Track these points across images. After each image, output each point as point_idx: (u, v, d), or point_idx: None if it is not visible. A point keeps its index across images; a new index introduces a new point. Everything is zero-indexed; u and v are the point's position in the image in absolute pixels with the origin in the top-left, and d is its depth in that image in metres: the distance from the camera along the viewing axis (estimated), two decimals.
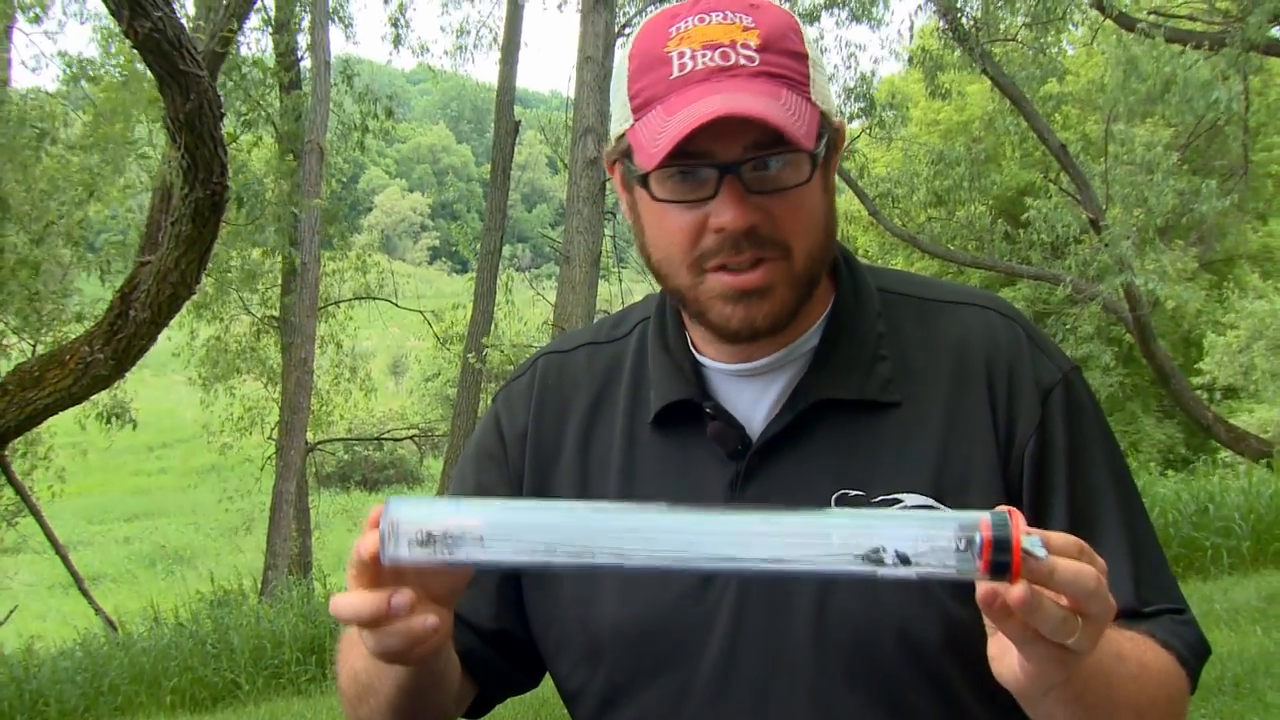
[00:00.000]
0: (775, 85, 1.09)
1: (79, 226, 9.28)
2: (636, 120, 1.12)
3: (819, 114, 1.11)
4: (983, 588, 0.88)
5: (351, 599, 0.98)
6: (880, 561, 0.86)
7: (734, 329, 1.14)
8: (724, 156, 1.08)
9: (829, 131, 1.14)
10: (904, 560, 0.86)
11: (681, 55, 1.10)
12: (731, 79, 1.09)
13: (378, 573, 0.97)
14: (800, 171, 1.11)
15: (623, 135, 1.14)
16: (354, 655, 1.18)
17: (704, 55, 1.10)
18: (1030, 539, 0.87)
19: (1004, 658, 0.96)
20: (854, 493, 1.15)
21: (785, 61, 1.11)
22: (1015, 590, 0.86)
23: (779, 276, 1.12)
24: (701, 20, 1.12)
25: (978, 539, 0.86)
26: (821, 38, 16.71)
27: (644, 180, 1.12)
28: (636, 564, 0.90)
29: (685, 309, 1.19)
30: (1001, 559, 0.85)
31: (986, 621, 0.94)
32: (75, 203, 9.13)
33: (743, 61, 1.09)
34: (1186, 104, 10.88)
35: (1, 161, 8.26)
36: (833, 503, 1.15)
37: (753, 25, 1.11)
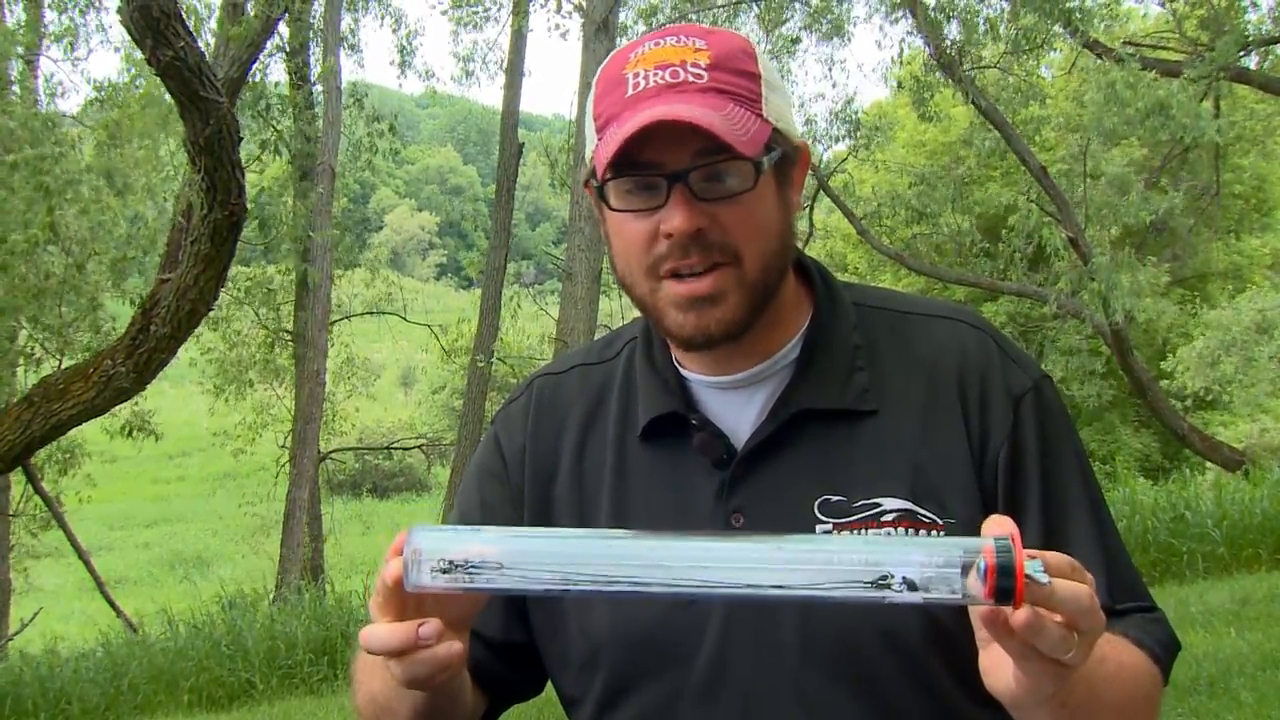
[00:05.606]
0: (721, 99, 1.14)
1: (126, 260, 9.31)
2: (599, 139, 1.17)
3: (769, 129, 1.16)
4: (985, 610, 0.89)
5: (381, 631, 1.01)
6: (888, 587, 0.88)
7: (687, 336, 1.17)
8: (673, 166, 1.13)
9: (785, 147, 1.19)
10: (911, 586, 0.88)
11: (636, 75, 1.16)
12: (679, 94, 1.13)
13: (402, 600, 1.00)
14: (746, 179, 1.14)
15: (591, 156, 1.19)
16: (370, 677, 1.21)
17: (655, 74, 1.15)
18: (1032, 563, 0.88)
19: (998, 671, 0.97)
20: (835, 498, 1.17)
21: (734, 79, 1.16)
22: (1020, 614, 0.88)
23: (730, 283, 1.15)
24: (657, 44, 1.18)
25: (982, 564, 0.87)
26: (805, 58, 17.39)
27: (601, 192, 1.18)
28: (654, 592, 0.92)
29: (647, 318, 1.23)
30: (1005, 584, 0.86)
31: (979, 635, 0.97)
32: (122, 238, 9.18)
33: (691, 79, 1.14)
34: (1182, 128, 10.94)
35: (51, 183, 8.20)
36: (815, 508, 1.17)
37: (704, 47, 1.17)
